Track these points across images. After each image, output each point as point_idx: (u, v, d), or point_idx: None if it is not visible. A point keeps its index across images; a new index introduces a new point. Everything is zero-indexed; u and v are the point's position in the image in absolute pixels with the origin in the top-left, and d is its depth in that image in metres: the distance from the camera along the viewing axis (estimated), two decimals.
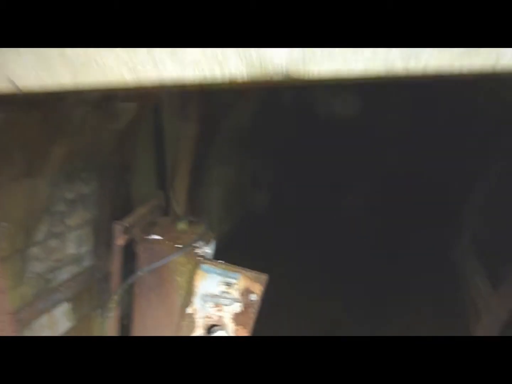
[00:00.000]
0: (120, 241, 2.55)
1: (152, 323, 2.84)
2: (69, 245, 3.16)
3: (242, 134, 6.01)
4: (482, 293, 3.98)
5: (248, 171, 7.30)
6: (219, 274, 2.63)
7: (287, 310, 4.85)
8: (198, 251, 2.75)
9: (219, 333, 2.71)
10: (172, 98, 3.56)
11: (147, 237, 2.78)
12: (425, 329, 4.27)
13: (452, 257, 5.59)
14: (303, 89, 6.13)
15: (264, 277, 2.63)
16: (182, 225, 2.93)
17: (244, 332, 2.68)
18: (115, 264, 2.61)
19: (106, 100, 2.72)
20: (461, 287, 4.70)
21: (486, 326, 3.71)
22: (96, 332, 3.55)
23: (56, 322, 3.05)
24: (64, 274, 3.14)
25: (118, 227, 2.56)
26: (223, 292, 2.66)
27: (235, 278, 2.64)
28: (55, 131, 2.52)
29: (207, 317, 2.75)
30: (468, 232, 5.13)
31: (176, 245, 2.72)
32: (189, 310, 2.75)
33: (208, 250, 2.84)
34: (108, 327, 2.86)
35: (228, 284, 2.67)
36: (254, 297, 2.68)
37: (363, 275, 5.75)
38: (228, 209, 6.57)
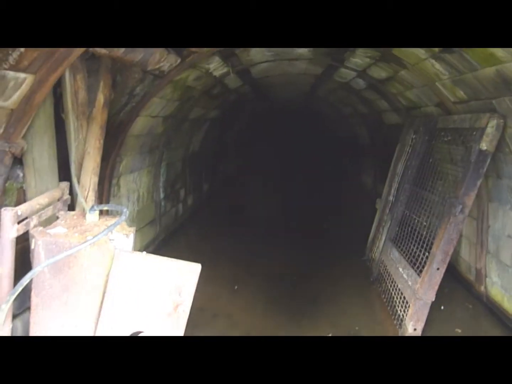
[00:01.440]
0: (11, 231, 1.99)
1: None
2: None
3: None
4: (408, 283, 4.04)
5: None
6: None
7: None
8: (115, 243, 2.29)
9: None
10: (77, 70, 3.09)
11: (47, 230, 2.24)
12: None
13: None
14: None
15: (197, 266, 2.26)
16: (92, 217, 2.44)
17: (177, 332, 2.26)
18: (5, 262, 2.02)
19: None
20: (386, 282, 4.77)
21: (416, 313, 3.74)
22: None
23: None
24: None
25: (7, 214, 2.00)
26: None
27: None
28: None
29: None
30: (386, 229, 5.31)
31: (86, 237, 2.23)
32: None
33: (126, 242, 2.39)
34: None
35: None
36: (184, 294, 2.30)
37: None
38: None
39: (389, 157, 6.35)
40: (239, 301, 4.89)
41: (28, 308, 2.94)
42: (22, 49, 2.33)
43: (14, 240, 2.07)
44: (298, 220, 8.83)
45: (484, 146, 3.39)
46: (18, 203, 3.24)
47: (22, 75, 2.51)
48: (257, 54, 5.30)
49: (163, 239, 6.69)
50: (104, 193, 4.58)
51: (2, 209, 2.02)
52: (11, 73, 2.42)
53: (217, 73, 5.62)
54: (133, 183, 5.57)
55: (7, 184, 3.05)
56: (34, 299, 2.26)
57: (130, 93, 4.05)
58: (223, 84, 6.64)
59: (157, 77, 4.25)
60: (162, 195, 6.82)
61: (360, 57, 4.93)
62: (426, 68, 3.97)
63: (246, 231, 7.66)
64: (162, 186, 6.80)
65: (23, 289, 2.95)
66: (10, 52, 2.26)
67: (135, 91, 4.12)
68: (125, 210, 2.32)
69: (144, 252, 2.31)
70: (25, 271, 2.85)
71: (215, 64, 5.08)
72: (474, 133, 3.56)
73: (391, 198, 5.50)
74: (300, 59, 5.86)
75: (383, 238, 5.32)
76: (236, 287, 5.24)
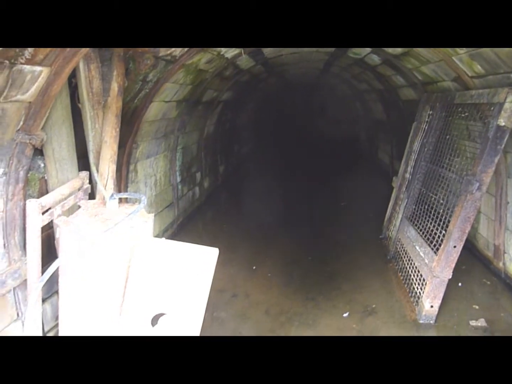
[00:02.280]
0: (36, 221, 2.09)
1: (83, 321, 2.38)
2: None
3: None
4: (424, 261, 4.05)
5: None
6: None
7: None
8: (134, 230, 2.37)
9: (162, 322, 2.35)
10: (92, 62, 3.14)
11: (70, 219, 2.33)
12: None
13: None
14: None
15: (215, 250, 2.33)
16: (112, 204, 2.52)
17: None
18: (32, 250, 2.13)
19: (7, 56, 2.25)
20: (402, 258, 4.79)
21: (432, 291, 3.77)
22: None
23: None
24: None
25: (32, 205, 2.09)
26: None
27: None
28: None
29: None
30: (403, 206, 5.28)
31: (107, 225, 2.32)
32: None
33: (146, 228, 2.47)
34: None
35: None
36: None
37: None
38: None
39: (406, 133, 6.25)
40: (257, 281, 4.99)
41: (56, 292, 3.10)
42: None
43: (40, 229, 2.17)
44: (314, 199, 8.83)
45: (502, 121, 3.32)
46: (40, 192, 3.37)
47: (38, 68, 2.57)
48: None
49: (181, 222, 6.82)
50: (122, 180, 4.69)
51: (27, 201, 2.11)
52: (27, 67, 2.48)
53: (228, 55, 5.58)
54: (150, 168, 5.66)
55: (29, 175, 3.15)
56: (62, 285, 2.37)
57: (143, 80, 4.08)
58: (235, 65, 6.60)
59: (169, 62, 4.26)
60: (178, 179, 6.91)
61: None
62: None
63: (263, 211, 7.72)
64: (178, 170, 6.89)
65: (51, 275, 3.10)
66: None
67: (148, 77, 4.14)
68: (143, 197, 2.38)
69: (163, 238, 2.38)
70: (50, 256, 3.00)
71: None
72: (492, 108, 3.48)
73: (407, 176, 5.45)
74: None
75: (400, 216, 5.30)
76: (254, 267, 5.34)
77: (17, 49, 2.27)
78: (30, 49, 2.35)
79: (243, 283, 4.94)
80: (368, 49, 5.86)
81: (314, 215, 7.74)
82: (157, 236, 6.18)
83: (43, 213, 2.17)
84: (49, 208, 2.27)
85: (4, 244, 3.01)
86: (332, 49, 6.53)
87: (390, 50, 5.32)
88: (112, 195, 2.58)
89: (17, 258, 3.03)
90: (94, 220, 2.38)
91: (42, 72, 2.63)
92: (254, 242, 6.26)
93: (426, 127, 5.15)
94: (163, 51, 3.84)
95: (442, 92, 5.07)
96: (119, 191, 4.60)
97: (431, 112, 5.11)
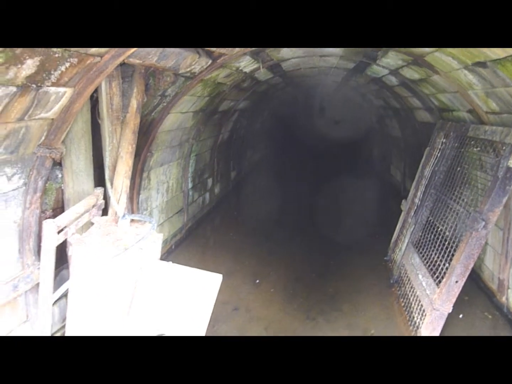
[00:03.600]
0: (51, 242, 2.20)
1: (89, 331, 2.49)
2: None
3: None
4: (426, 291, 4.08)
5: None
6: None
7: None
8: (143, 252, 2.46)
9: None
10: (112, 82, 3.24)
11: (83, 238, 2.44)
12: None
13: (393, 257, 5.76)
14: None
15: (218, 277, 2.41)
16: (123, 223, 2.62)
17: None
18: (45, 270, 2.24)
19: (36, 81, 2.36)
20: (406, 285, 4.81)
21: (431, 323, 3.80)
22: None
23: None
24: None
25: (49, 226, 2.20)
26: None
27: None
28: None
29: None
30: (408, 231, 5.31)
31: (119, 247, 2.42)
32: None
33: (154, 251, 2.56)
34: None
35: None
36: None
37: None
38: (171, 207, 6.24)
39: (419, 154, 6.26)
40: (260, 295, 5.07)
41: (65, 296, 3.22)
42: (63, 68, 2.49)
43: (55, 248, 2.28)
44: (322, 212, 8.86)
45: None
46: (56, 201, 3.50)
47: (62, 89, 2.69)
48: (288, 52, 5.31)
49: (190, 228, 6.94)
50: (135, 187, 4.81)
51: (44, 222, 2.22)
52: (52, 89, 2.59)
53: (247, 69, 5.66)
54: (163, 175, 5.78)
55: (47, 185, 3.29)
56: (71, 301, 2.48)
57: (162, 95, 4.19)
58: (253, 78, 6.68)
59: (188, 78, 4.36)
60: (190, 185, 7.03)
61: (392, 58, 4.86)
62: (458, 77, 3.88)
63: (270, 221, 7.78)
64: (190, 177, 7.00)
65: (60, 275, 3.23)
66: (52, 71, 2.42)
67: (167, 92, 4.25)
68: (153, 221, 2.48)
69: (171, 262, 2.47)
70: (61, 264, 3.12)
71: (245, 62, 5.13)
72: (504, 148, 3.49)
73: (416, 201, 5.47)
74: (331, 56, 5.82)
75: (406, 241, 5.32)
76: (257, 280, 5.41)
77: (45, 73, 2.39)
78: (56, 74, 2.47)
79: (245, 296, 5.03)
80: (386, 71, 5.89)
81: (322, 229, 7.77)
82: (166, 240, 6.30)
83: (58, 232, 2.27)
84: (64, 227, 2.37)
85: (19, 249, 3.15)
86: (351, 66, 6.57)
87: (407, 74, 5.35)
88: (124, 215, 2.69)
89: (30, 263, 3.16)
90: (105, 240, 2.48)
91: (66, 93, 2.75)
92: (259, 253, 6.35)
93: (439, 155, 5.16)
94: (183, 69, 3.94)
95: (457, 121, 5.07)
96: (132, 198, 4.73)
97: (444, 140, 5.13)
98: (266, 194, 9.96)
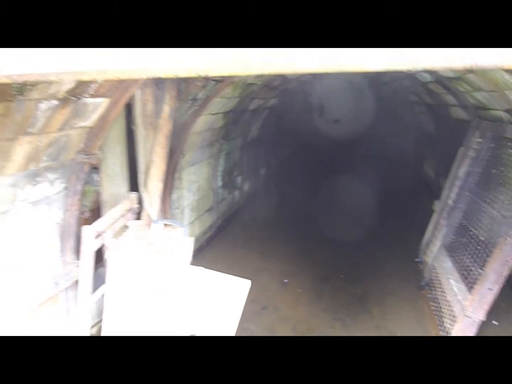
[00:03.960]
0: (90, 247, 2.34)
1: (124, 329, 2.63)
2: (32, 250, 2.91)
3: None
4: (457, 297, 4.00)
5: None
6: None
7: None
8: (175, 256, 2.57)
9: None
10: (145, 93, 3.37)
11: (119, 242, 2.57)
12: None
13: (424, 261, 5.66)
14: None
15: (247, 282, 2.49)
16: (156, 229, 2.74)
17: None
18: (85, 271, 2.39)
19: (75, 94, 2.50)
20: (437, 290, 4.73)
21: (462, 330, 3.73)
22: None
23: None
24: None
25: (88, 232, 2.34)
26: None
27: None
28: (17, 128, 2.29)
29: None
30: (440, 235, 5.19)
31: (152, 251, 2.53)
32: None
33: (186, 255, 2.67)
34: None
35: None
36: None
37: None
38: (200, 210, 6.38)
39: (454, 151, 6.08)
40: (288, 295, 5.12)
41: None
42: (100, 81, 2.62)
43: (93, 252, 2.42)
44: (352, 209, 8.77)
45: None
46: (93, 203, 3.68)
47: (99, 100, 2.82)
48: None
49: (219, 225, 7.07)
50: (167, 187, 4.96)
51: (83, 228, 2.36)
52: (90, 100, 2.74)
53: None
54: (194, 175, 5.92)
55: (85, 188, 3.48)
56: (108, 300, 2.63)
57: (193, 99, 4.29)
58: (284, 76, 6.69)
59: (218, 81, 4.44)
60: (219, 184, 7.15)
61: None
62: (495, 77, 3.75)
63: (299, 219, 7.79)
64: (220, 175, 7.12)
65: (97, 273, 3.40)
66: (90, 85, 2.56)
67: (198, 96, 4.35)
68: (185, 228, 2.57)
69: (202, 267, 2.57)
70: (98, 262, 3.28)
71: None
72: None
73: (450, 202, 5.33)
74: None
75: (438, 243, 5.21)
76: (286, 280, 5.47)
77: (84, 87, 2.53)
78: (94, 86, 2.60)
79: (273, 295, 5.10)
80: (419, 67, 5.74)
81: (351, 227, 7.70)
82: (196, 237, 6.45)
83: (96, 237, 2.41)
84: (102, 232, 2.51)
85: (61, 249, 3.35)
86: None
87: (441, 72, 5.20)
88: (157, 221, 2.81)
89: (70, 261, 3.36)
90: (139, 244, 2.61)
91: (103, 103, 2.89)
92: (287, 252, 6.38)
93: (474, 155, 5.00)
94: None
95: (493, 120, 4.89)
96: (164, 198, 4.88)
97: (480, 140, 4.96)
98: (295, 191, 9.95)
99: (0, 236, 2.63)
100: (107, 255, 2.54)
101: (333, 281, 5.53)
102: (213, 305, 2.54)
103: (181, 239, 2.62)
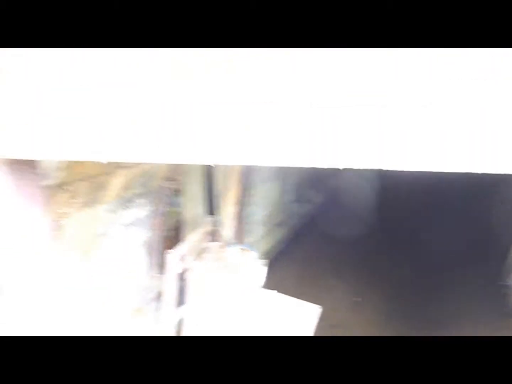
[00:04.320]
0: (174, 270, 2.62)
1: None
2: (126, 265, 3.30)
3: None
4: None
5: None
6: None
7: None
8: (249, 278, 2.76)
9: None
10: None
11: (199, 264, 2.83)
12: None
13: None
14: None
15: (317, 308, 2.59)
16: (233, 253, 2.96)
17: None
18: (170, 293, 2.67)
19: None
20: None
21: None
22: None
23: None
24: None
25: (172, 256, 2.62)
26: None
27: None
28: (115, 163, 2.64)
29: None
30: None
31: (228, 274, 2.76)
32: None
33: (259, 275, 2.85)
34: None
35: None
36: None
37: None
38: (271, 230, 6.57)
39: None
40: (358, 314, 5.09)
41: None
42: None
43: (177, 275, 2.70)
44: (425, 224, 8.37)
45: None
46: (176, 223, 4.04)
47: None
48: None
49: (290, 240, 7.20)
50: (239, 203, 5.23)
51: (168, 252, 2.65)
52: None
53: None
54: (266, 190, 6.13)
55: (168, 209, 3.84)
56: (188, 320, 2.90)
57: None
58: None
59: None
60: (290, 198, 7.30)
61: None
62: None
63: (373, 233, 7.64)
64: (290, 189, 7.27)
65: (181, 287, 3.72)
66: None
67: None
68: (257, 251, 2.76)
69: (275, 291, 2.73)
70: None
71: None
72: None
73: None
74: None
75: None
76: (358, 299, 5.43)
77: None
78: None
79: (343, 314, 5.10)
80: None
81: (426, 244, 7.36)
82: (266, 252, 6.64)
83: (179, 260, 2.69)
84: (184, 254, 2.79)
85: (148, 264, 3.74)
86: None
87: None
88: (232, 244, 3.03)
89: (155, 275, 3.74)
90: (217, 266, 2.85)
91: None
92: (360, 269, 6.30)
93: None
94: None
95: None
96: (239, 218, 5.13)
97: None
98: (370, 202, 9.73)
99: (100, 253, 3.04)
100: (188, 276, 2.81)
101: (407, 302, 5.37)
102: (285, 327, 2.68)
103: (254, 263, 2.81)
